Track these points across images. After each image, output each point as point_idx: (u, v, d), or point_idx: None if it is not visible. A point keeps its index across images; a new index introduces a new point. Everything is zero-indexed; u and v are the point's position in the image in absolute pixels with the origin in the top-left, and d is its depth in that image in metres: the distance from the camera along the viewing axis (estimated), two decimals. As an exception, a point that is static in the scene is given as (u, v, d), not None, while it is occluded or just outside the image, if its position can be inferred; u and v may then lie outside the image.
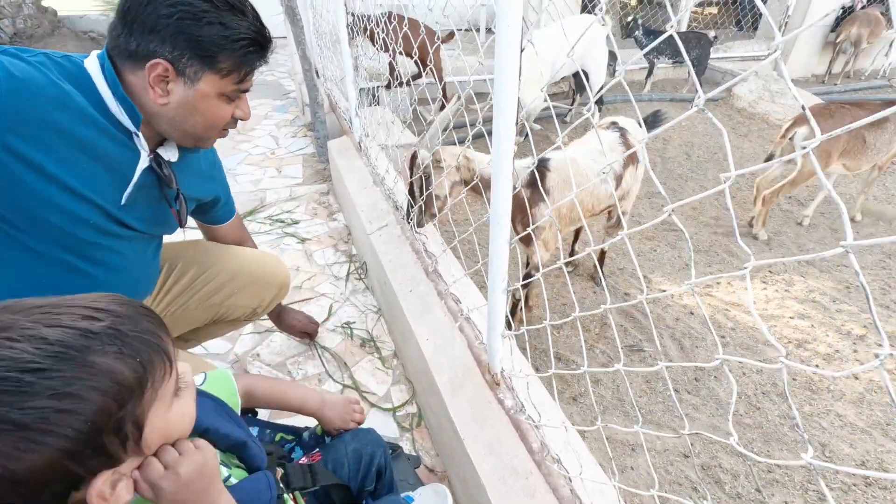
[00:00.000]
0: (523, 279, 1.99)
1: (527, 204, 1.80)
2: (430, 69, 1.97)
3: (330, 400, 0.99)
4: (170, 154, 1.01)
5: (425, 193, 1.72)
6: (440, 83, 4.17)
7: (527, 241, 1.85)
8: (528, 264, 2.06)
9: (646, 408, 1.90)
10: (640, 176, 2.28)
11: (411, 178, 1.78)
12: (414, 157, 1.75)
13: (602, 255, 2.60)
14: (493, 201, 1.00)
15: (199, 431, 0.66)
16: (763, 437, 1.78)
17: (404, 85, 3.87)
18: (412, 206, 1.82)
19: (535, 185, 1.80)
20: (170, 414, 0.54)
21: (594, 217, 2.22)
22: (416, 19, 3.56)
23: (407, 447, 1.54)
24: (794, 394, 1.93)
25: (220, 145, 3.73)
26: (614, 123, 2.18)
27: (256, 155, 3.55)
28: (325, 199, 3.00)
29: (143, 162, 0.96)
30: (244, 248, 1.47)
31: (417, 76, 4.23)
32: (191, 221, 1.31)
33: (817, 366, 2.07)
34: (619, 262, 2.72)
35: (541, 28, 4.07)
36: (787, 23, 5.90)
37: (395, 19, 2.54)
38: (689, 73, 5.04)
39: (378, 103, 3.35)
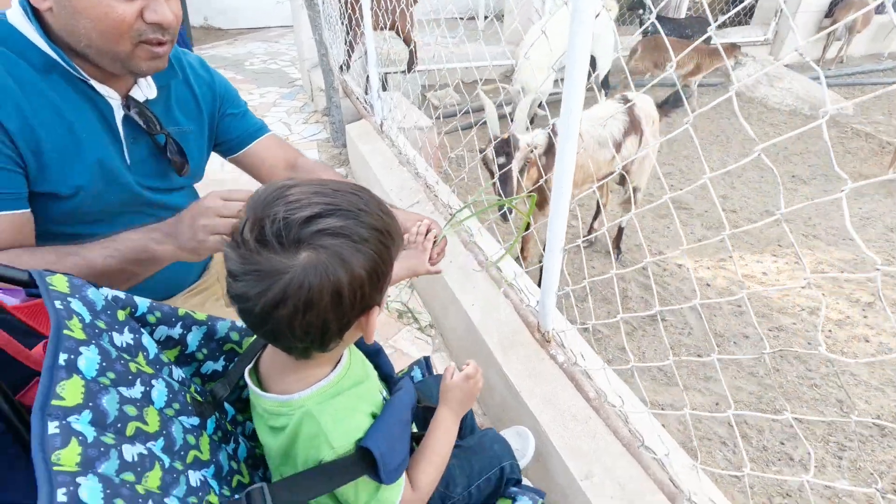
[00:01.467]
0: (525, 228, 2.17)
1: (542, 170, 1.90)
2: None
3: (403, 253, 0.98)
4: (145, 92, 0.87)
5: (516, 179, 1.78)
6: (409, 45, 4.14)
7: (542, 205, 2.03)
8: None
9: (671, 371, 2.00)
10: (651, 150, 2.36)
11: (503, 163, 1.77)
12: (505, 142, 1.76)
13: (619, 232, 2.69)
14: (558, 161, 1.07)
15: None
16: (784, 395, 1.88)
17: (407, 73, 3.90)
18: (501, 194, 1.81)
19: (552, 150, 1.89)
20: None
21: (600, 183, 2.30)
22: None
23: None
24: (810, 356, 2.04)
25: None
26: (624, 96, 2.27)
27: (271, 141, 3.57)
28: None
29: (118, 112, 0.84)
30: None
31: (411, 63, 4.24)
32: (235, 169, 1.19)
33: (830, 331, 2.18)
34: (635, 238, 2.81)
35: (549, 14, 4.12)
36: (781, 10, 6.00)
37: None
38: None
39: (385, 88, 3.39)
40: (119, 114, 0.84)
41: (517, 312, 1.49)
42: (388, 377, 0.81)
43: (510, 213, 1.83)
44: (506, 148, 1.76)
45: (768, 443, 1.71)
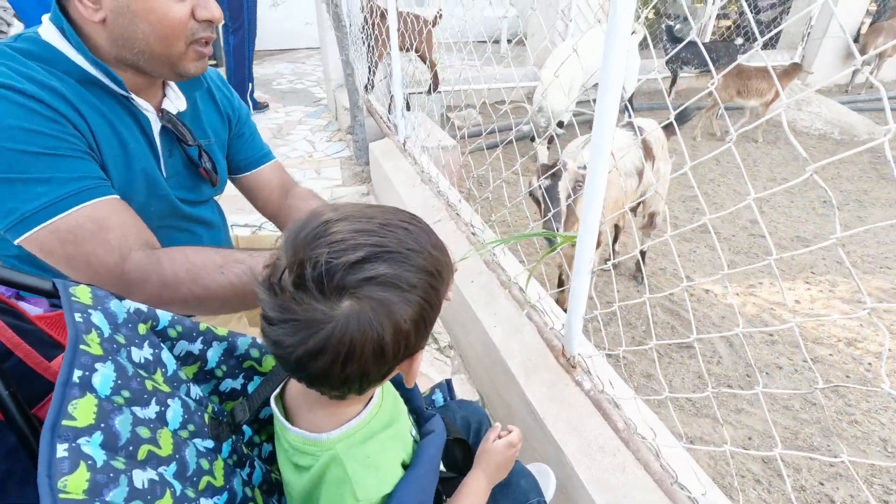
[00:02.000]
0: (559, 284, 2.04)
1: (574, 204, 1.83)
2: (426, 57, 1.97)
3: None
4: (176, 104, 0.88)
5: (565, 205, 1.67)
6: (431, 68, 4.20)
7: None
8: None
9: (700, 402, 1.91)
10: (666, 175, 2.32)
11: (549, 186, 1.67)
12: (551, 166, 1.68)
13: (642, 256, 2.63)
14: (588, 177, 1.04)
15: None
16: (822, 431, 1.78)
17: (431, 93, 3.94)
18: (550, 219, 1.67)
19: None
20: None
21: (622, 213, 2.25)
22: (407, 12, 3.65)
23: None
24: (849, 391, 1.93)
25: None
26: (629, 123, 2.24)
27: (295, 158, 3.62)
28: (366, 199, 3.05)
29: (155, 124, 0.85)
30: None
31: (433, 84, 4.28)
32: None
33: (870, 364, 2.07)
34: (659, 262, 2.74)
35: (574, 36, 4.14)
36: (809, 34, 5.94)
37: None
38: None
39: (408, 108, 3.42)
40: (157, 126, 0.85)
41: (541, 336, 1.45)
42: (418, 411, 0.78)
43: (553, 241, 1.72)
44: (551, 170, 1.70)
45: (806, 482, 1.61)
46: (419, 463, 0.61)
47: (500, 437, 0.82)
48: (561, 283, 2.23)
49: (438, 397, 1.03)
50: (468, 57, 1.96)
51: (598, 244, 1.92)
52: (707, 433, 1.76)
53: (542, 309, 1.50)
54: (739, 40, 4.81)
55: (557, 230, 1.55)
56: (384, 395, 0.65)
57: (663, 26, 4.82)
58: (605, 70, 0.92)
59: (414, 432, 0.71)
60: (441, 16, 4.19)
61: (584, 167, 1.64)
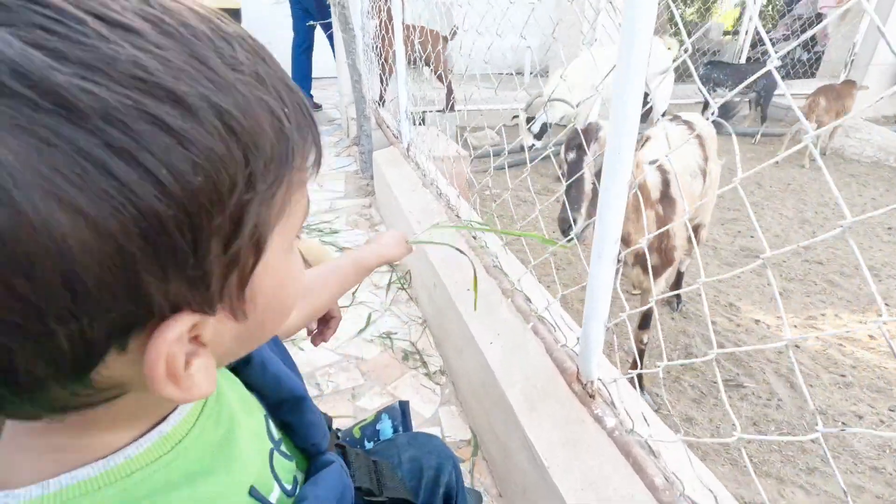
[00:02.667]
0: (642, 324, 1.66)
1: (654, 218, 1.43)
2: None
3: (385, 239, 0.79)
4: None
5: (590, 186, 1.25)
6: (445, 81, 4.04)
7: (657, 271, 1.53)
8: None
9: (757, 457, 1.50)
10: (717, 179, 1.97)
11: (574, 160, 1.25)
12: (582, 133, 1.23)
13: (679, 278, 2.25)
14: (613, 144, 0.73)
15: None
16: (928, 504, 1.35)
17: (445, 111, 3.76)
18: (574, 208, 1.23)
19: (668, 192, 1.48)
20: (287, 264, 0.32)
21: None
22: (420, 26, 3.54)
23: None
24: (957, 450, 1.49)
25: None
26: (677, 116, 1.93)
27: (298, 171, 3.43)
28: (367, 211, 2.80)
29: None
30: None
31: (448, 102, 4.11)
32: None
33: (979, 416, 1.62)
34: (697, 288, 2.35)
35: (599, 47, 3.93)
36: (852, 61, 5.61)
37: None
38: (750, 103, 4.77)
39: (423, 123, 3.22)
40: None
41: (549, 355, 1.11)
42: (308, 450, 0.46)
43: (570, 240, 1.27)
44: (578, 140, 1.24)
45: (916, 576, 1.18)
46: None
47: None
48: (641, 356, 1.74)
49: (385, 427, 0.70)
50: (490, 85, 1.73)
51: (670, 262, 1.56)
52: (773, 498, 1.35)
53: (553, 321, 1.17)
54: (777, 62, 4.48)
55: (575, 221, 1.21)
56: (205, 415, 0.34)
57: (699, 61, 4.58)
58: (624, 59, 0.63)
59: (278, 491, 0.39)
60: (456, 32, 4.06)
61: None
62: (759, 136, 4.69)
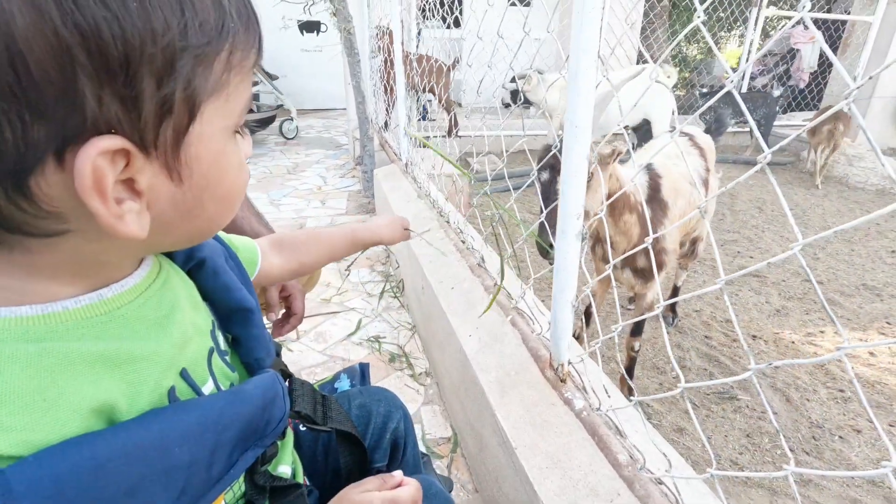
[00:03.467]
0: (635, 330, 1.64)
1: (649, 223, 1.39)
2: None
3: (385, 222, 0.78)
4: None
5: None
6: (449, 112, 4.15)
7: (647, 274, 1.52)
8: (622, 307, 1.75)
9: (750, 467, 1.45)
10: (715, 191, 1.98)
11: (547, 179, 1.25)
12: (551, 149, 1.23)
13: (674, 293, 2.24)
14: (570, 118, 0.76)
15: (196, 259, 0.46)
16: (929, 519, 1.28)
17: (448, 137, 3.87)
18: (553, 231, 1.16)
19: (658, 196, 1.50)
20: (226, 148, 0.35)
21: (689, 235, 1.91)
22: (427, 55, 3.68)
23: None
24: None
25: (268, 181, 3.77)
26: (675, 128, 1.96)
27: (303, 190, 3.52)
28: (366, 226, 2.85)
29: None
30: None
31: (451, 128, 4.22)
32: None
33: (984, 433, 1.56)
34: (693, 303, 2.33)
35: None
36: (852, 93, 5.66)
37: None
38: (751, 132, 4.82)
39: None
40: None
41: (525, 345, 1.11)
42: (251, 365, 0.48)
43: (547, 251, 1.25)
44: (551, 160, 1.26)
45: (915, 591, 1.12)
46: (140, 423, 0.32)
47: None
48: (588, 317, 1.80)
49: (343, 385, 0.72)
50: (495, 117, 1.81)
51: (661, 266, 1.56)
52: (762, 508, 1.30)
53: (529, 312, 1.17)
54: (777, 91, 4.57)
55: (552, 245, 1.18)
56: (149, 295, 0.37)
57: (696, 93, 4.69)
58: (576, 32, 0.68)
59: (212, 387, 0.41)
60: (458, 62, 4.21)
61: (617, 155, 1.24)
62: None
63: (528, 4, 5.55)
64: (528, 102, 3.75)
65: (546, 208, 1.24)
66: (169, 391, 0.35)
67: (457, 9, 2.30)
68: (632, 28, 4.99)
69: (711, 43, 0.55)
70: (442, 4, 2.30)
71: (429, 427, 1.35)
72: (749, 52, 5.48)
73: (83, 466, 0.27)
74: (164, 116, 0.29)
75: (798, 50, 4.91)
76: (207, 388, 0.40)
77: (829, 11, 5.89)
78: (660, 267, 1.57)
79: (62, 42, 0.25)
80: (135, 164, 0.29)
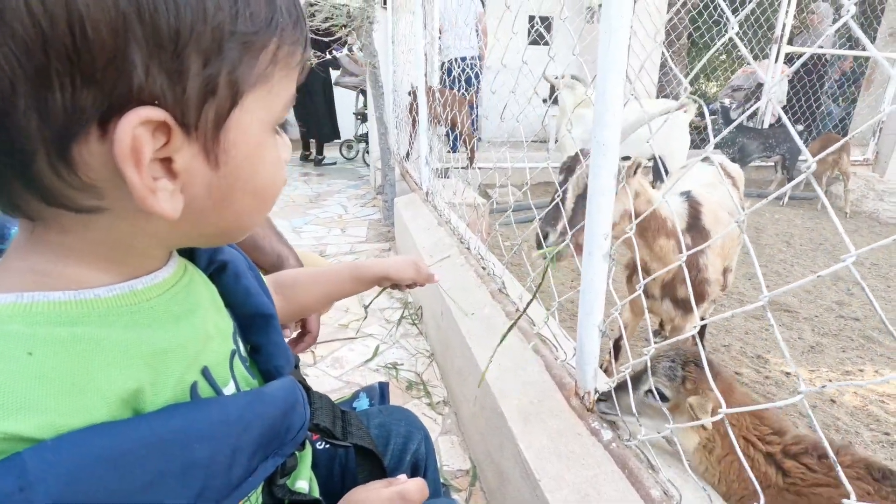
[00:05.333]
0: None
1: (672, 247, 1.37)
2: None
3: (394, 258, 0.74)
4: None
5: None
6: (468, 144, 4.18)
7: (688, 305, 1.46)
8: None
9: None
10: (744, 224, 1.93)
11: (565, 182, 1.26)
12: (577, 157, 1.25)
13: (702, 329, 2.16)
14: (598, 138, 0.76)
15: (218, 262, 0.45)
16: None
17: (469, 167, 3.91)
18: (550, 224, 1.24)
19: (698, 224, 1.46)
20: (265, 140, 0.35)
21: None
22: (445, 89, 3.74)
23: (455, 512, 1.13)
24: None
25: (290, 208, 3.84)
26: (706, 158, 1.93)
27: (324, 218, 3.57)
28: (386, 254, 2.86)
29: None
30: None
31: (469, 158, 4.26)
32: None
33: None
34: (721, 338, 2.25)
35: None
36: (881, 129, 5.60)
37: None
38: (775, 166, 4.77)
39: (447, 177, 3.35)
40: None
41: (549, 371, 1.07)
42: (270, 372, 0.47)
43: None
44: (570, 163, 1.27)
45: None
46: (169, 414, 0.31)
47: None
48: (617, 350, 1.72)
49: (362, 402, 0.69)
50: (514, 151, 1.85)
51: (701, 297, 1.50)
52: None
53: (553, 339, 1.14)
54: (799, 126, 4.53)
55: (546, 235, 1.20)
56: (177, 292, 0.37)
57: (717, 105, 4.66)
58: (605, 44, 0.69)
59: (234, 388, 0.40)
60: (476, 96, 4.30)
61: (637, 167, 1.22)
62: (786, 198, 4.63)
63: (546, 43, 5.69)
64: (556, 103, 3.79)
65: (551, 203, 1.25)
66: (192, 387, 0.35)
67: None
68: (652, 64, 5.06)
69: (745, 51, 0.54)
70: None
71: (446, 459, 1.30)
72: (771, 88, 5.47)
73: (102, 456, 0.27)
74: (208, 97, 0.30)
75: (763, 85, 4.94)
76: (228, 389, 0.39)
77: (851, 48, 5.88)
78: (701, 298, 1.51)
79: (119, 9, 0.25)
80: (174, 142, 0.29)
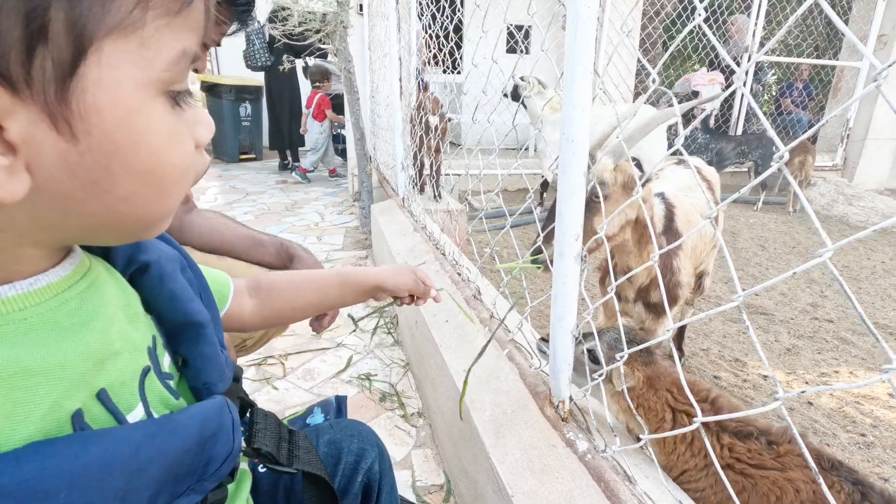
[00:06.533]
0: None
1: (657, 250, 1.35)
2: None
3: (389, 266, 0.66)
4: None
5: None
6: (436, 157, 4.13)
7: (660, 309, 1.44)
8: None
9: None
10: (720, 227, 1.95)
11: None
12: None
13: (681, 331, 2.15)
14: (566, 133, 0.73)
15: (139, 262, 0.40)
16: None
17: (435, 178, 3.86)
18: (546, 237, 1.15)
19: (672, 226, 1.44)
20: (145, 107, 0.28)
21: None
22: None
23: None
24: None
25: (265, 217, 3.76)
26: (682, 161, 1.93)
27: (299, 225, 3.49)
28: (363, 262, 2.79)
29: None
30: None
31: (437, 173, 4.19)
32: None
33: None
34: (700, 342, 2.24)
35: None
36: (848, 135, 5.76)
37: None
38: (749, 171, 4.85)
39: (422, 191, 3.29)
40: None
41: (523, 380, 1.03)
42: (199, 390, 0.41)
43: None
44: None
45: None
46: (20, 456, 0.25)
47: None
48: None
49: (317, 418, 0.64)
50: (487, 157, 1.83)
51: (674, 300, 1.49)
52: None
53: (527, 346, 1.10)
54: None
55: (543, 248, 1.16)
56: (72, 298, 0.32)
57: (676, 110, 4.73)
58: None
59: (142, 413, 0.34)
60: (450, 119, 4.27)
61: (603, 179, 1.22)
62: (760, 204, 4.71)
63: (527, 52, 5.70)
64: (524, 105, 3.76)
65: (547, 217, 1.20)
66: (73, 416, 0.29)
67: (457, 53, 2.34)
68: (629, 72, 5.12)
69: (716, 42, 0.51)
70: (440, 50, 2.33)
71: (420, 473, 1.24)
72: (742, 95, 5.60)
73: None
74: (35, 42, 0.23)
75: (699, 92, 5.07)
76: (135, 414, 0.33)
77: (818, 57, 6.06)
78: (673, 301, 1.50)
79: None
80: (4, 112, 0.23)
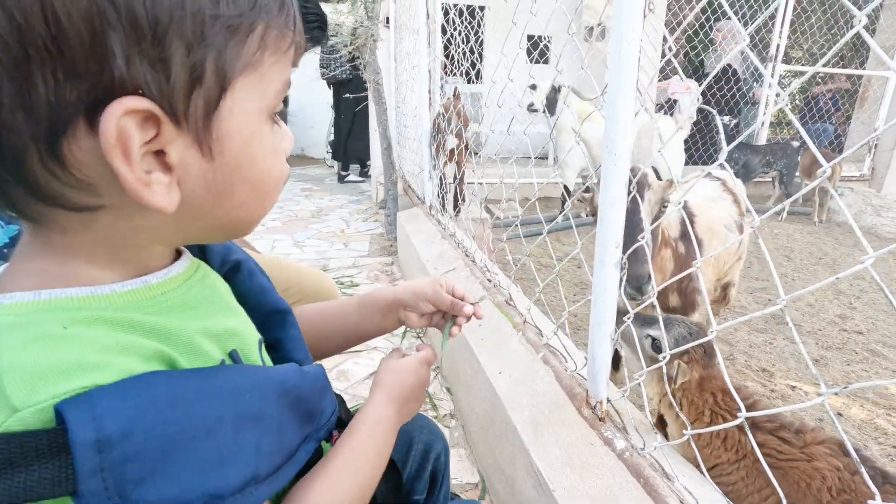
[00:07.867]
0: None
1: (670, 256, 1.41)
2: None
3: (411, 281, 0.64)
4: None
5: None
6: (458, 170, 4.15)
7: (680, 312, 1.48)
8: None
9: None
10: (746, 239, 1.96)
11: (635, 211, 1.11)
12: (640, 180, 1.17)
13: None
14: (608, 147, 0.77)
15: (231, 262, 0.47)
16: None
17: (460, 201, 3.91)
18: (643, 261, 1.08)
19: (688, 232, 1.48)
20: (260, 129, 0.34)
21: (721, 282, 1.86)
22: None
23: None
24: None
25: (292, 223, 3.85)
26: (709, 174, 1.96)
27: (326, 232, 3.58)
28: (389, 268, 2.86)
29: None
30: (293, 263, 1.27)
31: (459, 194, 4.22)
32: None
33: None
34: (725, 351, 2.24)
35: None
36: (876, 144, 5.67)
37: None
38: (774, 181, 4.81)
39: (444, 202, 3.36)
40: None
41: (559, 382, 1.07)
42: (285, 358, 0.48)
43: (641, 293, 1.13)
44: (639, 187, 1.15)
45: None
46: (207, 374, 0.32)
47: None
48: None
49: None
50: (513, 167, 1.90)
51: (691, 306, 1.52)
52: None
53: (563, 350, 1.14)
54: (796, 143, 4.60)
55: (649, 275, 1.06)
56: (190, 287, 0.38)
57: (716, 122, 4.73)
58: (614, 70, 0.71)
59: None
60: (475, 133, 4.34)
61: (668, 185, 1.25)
62: (785, 213, 4.67)
63: (546, 61, 5.75)
64: (547, 112, 3.83)
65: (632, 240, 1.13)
66: (221, 363, 0.35)
67: (478, 63, 2.41)
68: (650, 83, 5.14)
69: (749, 52, 0.56)
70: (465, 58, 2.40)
71: (454, 472, 1.28)
72: (766, 105, 5.56)
73: (161, 395, 0.28)
74: (195, 85, 0.29)
75: (677, 100, 5.03)
76: None
77: (844, 67, 6.00)
78: (692, 307, 1.53)
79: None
80: (165, 134, 0.29)
